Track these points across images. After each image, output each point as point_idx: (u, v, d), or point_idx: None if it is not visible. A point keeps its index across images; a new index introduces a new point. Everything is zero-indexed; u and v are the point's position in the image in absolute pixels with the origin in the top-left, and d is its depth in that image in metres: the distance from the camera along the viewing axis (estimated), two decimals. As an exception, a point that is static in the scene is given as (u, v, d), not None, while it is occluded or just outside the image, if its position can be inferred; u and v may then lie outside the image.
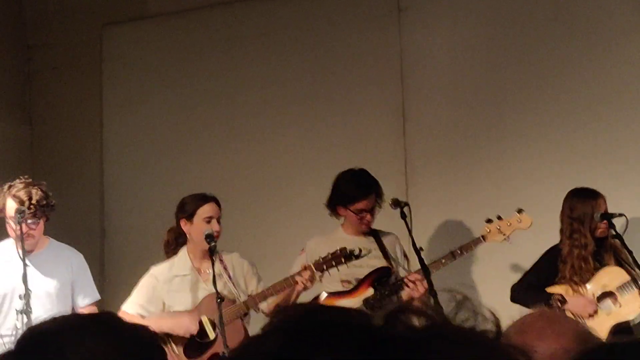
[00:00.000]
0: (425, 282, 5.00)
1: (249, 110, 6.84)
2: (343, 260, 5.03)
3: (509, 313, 1.84)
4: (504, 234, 5.22)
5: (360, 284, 5.29)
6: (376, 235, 5.42)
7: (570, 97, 6.14)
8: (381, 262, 5.34)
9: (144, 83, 7.10)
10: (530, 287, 5.31)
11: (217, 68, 6.95)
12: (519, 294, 5.33)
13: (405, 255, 5.46)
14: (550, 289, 5.31)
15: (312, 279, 5.04)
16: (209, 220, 5.10)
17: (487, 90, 6.34)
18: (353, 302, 5.22)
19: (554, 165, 6.08)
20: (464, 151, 6.34)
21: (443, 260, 5.12)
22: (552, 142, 6.12)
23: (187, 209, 5.16)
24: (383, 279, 5.28)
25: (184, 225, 5.17)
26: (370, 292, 5.27)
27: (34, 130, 7.30)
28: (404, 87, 6.53)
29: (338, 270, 5.12)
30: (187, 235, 5.21)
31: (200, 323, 5.13)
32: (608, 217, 5.23)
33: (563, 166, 6.03)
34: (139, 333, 1.51)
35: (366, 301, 5.24)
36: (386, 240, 5.43)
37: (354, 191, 5.29)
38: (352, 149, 6.45)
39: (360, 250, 5.08)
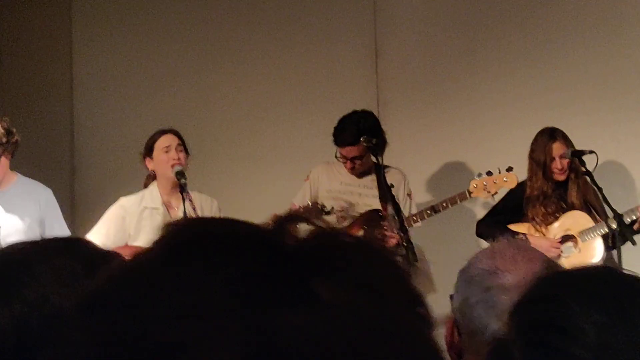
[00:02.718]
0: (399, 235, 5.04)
1: (221, 43, 6.78)
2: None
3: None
4: (489, 192, 5.20)
5: (351, 225, 5.32)
6: (379, 173, 5.31)
7: (545, 31, 6.10)
8: (377, 203, 5.31)
9: (115, 16, 6.99)
10: (495, 223, 5.27)
11: (188, 0, 6.86)
12: (484, 228, 5.32)
13: (409, 195, 5.41)
14: (513, 227, 5.29)
15: None
16: (167, 150, 5.09)
17: (460, 26, 6.30)
18: None
19: (528, 101, 6.06)
20: (437, 87, 6.32)
21: (428, 212, 5.15)
22: (526, 77, 6.10)
23: (146, 146, 5.16)
24: (372, 222, 5.27)
25: (149, 164, 5.18)
26: (360, 233, 5.28)
27: (2, 65, 7.18)
28: (376, 22, 6.47)
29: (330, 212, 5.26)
30: (155, 173, 5.20)
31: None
32: (578, 154, 5.18)
33: (537, 101, 6.02)
34: (107, 256, 1.51)
35: None
36: (391, 178, 5.32)
37: (337, 136, 5.25)
38: (324, 86, 6.41)
39: (332, 208, 5.17)
